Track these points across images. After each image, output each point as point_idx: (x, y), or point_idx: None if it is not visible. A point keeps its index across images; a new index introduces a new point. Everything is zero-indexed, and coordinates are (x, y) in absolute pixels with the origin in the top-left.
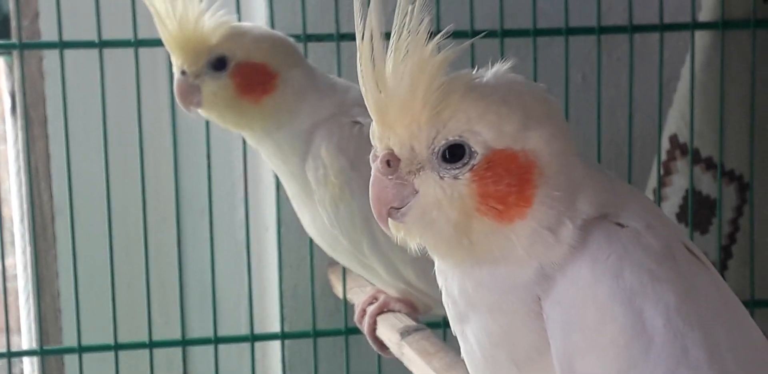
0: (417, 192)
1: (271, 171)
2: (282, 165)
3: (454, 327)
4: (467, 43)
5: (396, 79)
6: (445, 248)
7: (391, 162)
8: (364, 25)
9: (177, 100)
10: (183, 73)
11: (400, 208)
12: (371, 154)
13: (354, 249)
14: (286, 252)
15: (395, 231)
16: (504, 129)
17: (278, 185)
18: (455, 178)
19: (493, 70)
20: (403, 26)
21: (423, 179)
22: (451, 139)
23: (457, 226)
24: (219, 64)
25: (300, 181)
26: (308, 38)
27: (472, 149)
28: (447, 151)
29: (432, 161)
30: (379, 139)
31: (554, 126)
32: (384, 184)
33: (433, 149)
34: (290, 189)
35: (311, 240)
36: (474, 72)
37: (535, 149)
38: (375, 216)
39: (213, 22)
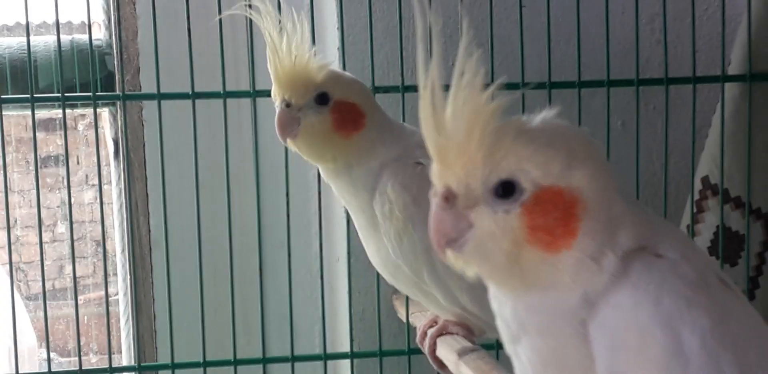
0: (473, 225)
1: (342, 207)
2: (353, 199)
3: (508, 347)
4: (518, 92)
5: (454, 124)
6: (499, 276)
7: (449, 198)
8: (427, 77)
9: (277, 130)
10: (287, 105)
11: (458, 240)
12: (431, 191)
13: (415, 278)
14: (355, 280)
15: (453, 260)
16: (551, 168)
17: (348, 220)
18: (507, 212)
19: (541, 116)
20: (462, 77)
21: (478, 213)
22: (503, 177)
23: (509, 256)
24: (322, 99)
25: (367, 215)
26: (376, 90)
27: (523, 186)
28: (500, 188)
29: (486, 197)
30: (439, 178)
31: (596, 166)
32: (443, 217)
33: (487, 186)
34: (358, 222)
35: (378, 271)
36: (524, 118)
37: (579, 186)
38: (434, 246)
39: (318, 63)
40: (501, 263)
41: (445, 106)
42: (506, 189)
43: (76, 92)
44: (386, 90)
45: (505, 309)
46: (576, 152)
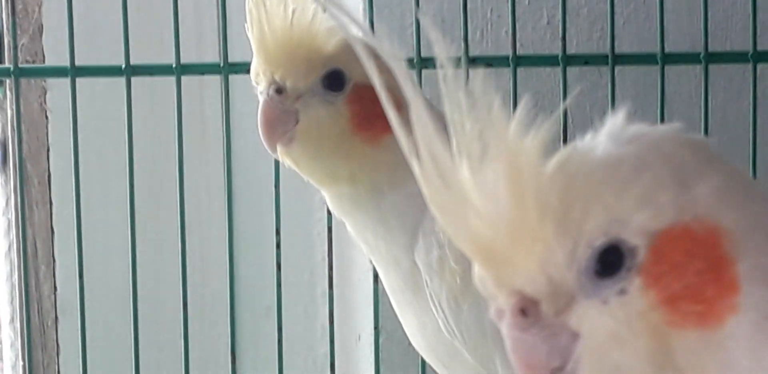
0: (578, 334)
1: (365, 255)
2: (382, 244)
3: None
4: (557, 113)
5: (490, 200)
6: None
7: (527, 311)
8: (423, 152)
9: (261, 129)
10: (278, 91)
11: (565, 367)
12: (492, 311)
13: (481, 367)
14: (385, 370)
15: None
16: (659, 199)
17: (376, 275)
18: (623, 293)
19: (607, 128)
20: (472, 118)
21: (580, 315)
22: (597, 244)
23: (654, 359)
24: (333, 81)
25: (405, 269)
26: (423, 62)
27: (630, 245)
28: (599, 265)
29: (583, 285)
30: (498, 287)
31: (719, 170)
32: (530, 343)
33: (578, 268)
34: (389, 280)
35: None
36: (579, 145)
37: (709, 211)
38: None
39: (327, 27)
40: (642, 370)
41: (467, 180)
42: (608, 261)
43: None
44: (434, 64)
45: None
46: (682, 162)
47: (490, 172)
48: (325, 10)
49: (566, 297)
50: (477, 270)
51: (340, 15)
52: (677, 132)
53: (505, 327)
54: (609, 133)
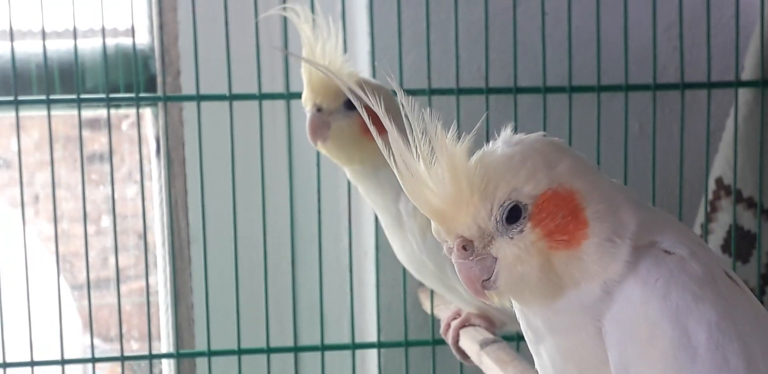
0: (497, 259)
1: (370, 206)
2: (379, 199)
3: (531, 347)
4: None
5: (441, 184)
6: (537, 292)
7: (466, 246)
8: (398, 160)
9: (308, 133)
10: (319, 110)
11: (490, 278)
12: (445, 248)
13: (439, 272)
14: (382, 274)
15: (494, 299)
16: (537, 176)
17: (376, 218)
18: (521, 232)
19: (501, 138)
20: (422, 138)
21: (497, 246)
22: (505, 205)
23: (542, 268)
24: (350, 105)
25: (393, 214)
26: (405, 93)
27: (524, 203)
28: (508, 215)
29: (499, 229)
30: (448, 234)
31: (569, 157)
32: (468, 265)
33: (497, 219)
34: (384, 220)
35: (404, 265)
36: (486, 147)
37: (567, 180)
38: (473, 294)
39: (349, 69)
40: (537, 278)
41: (424, 176)
42: (512, 215)
43: (120, 93)
44: (413, 93)
45: (532, 318)
46: (547, 154)
47: (438, 167)
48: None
49: (489, 237)
50: (434, 225)
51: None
52: (541, 137)
53: (454, 258)
54: (503, 140)
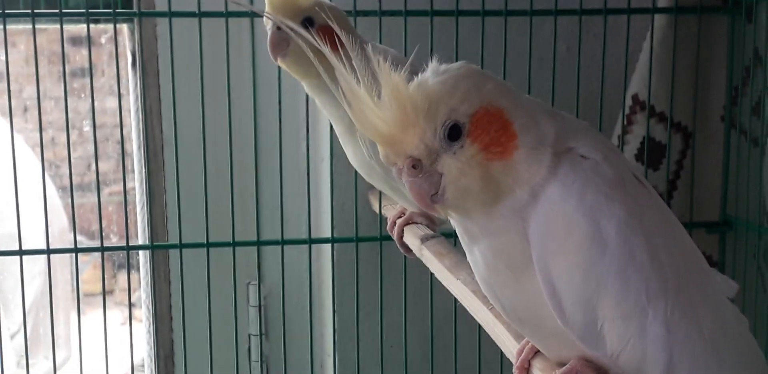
0: (443, 174)
1: (326, 117)
2: (334, 110)
3: (465, 246)
4: (409, 57)
5: (387, 110)
6: (479, 201)
7: (415, 165)
8: (348, 90)
9: (269, 49)
10: (278, 28)
11: (438, 192)
12: (395, 171)
13: (386, 175)
14: (336, 177)
15: (444, 212)
16: (469, 98)
17: (331, 127)
18: (462, 147)
19: (430, 68)
20: (365, 70)
21: (442, 162)
22: (446, 124)
23: (483, 178)
24: (307, 24)
25: (346, 123)
26: (357, 13)
27: (461, 122)
28: (450, 133)
29: (444, 146)
30: (396, 155)
31: (492, 79)
32: (418, 182)
33: (441, 137)
34: (338, 129)
35: (355, 170)
36: (423, 75)
37: (494, 98)
38: (425, 208)
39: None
40: (479, 187)
41: (370, 103)
42: (452, 133)
43: (99, 9)
44: (366, 14)
45: (469, 225)
46: (473, 78)
47: (383, 95)
48: None
49: (435, 155)
50: (382, 151)
51: None
52: (464, 64)
53: (404, 176)
54: (432, 70)
